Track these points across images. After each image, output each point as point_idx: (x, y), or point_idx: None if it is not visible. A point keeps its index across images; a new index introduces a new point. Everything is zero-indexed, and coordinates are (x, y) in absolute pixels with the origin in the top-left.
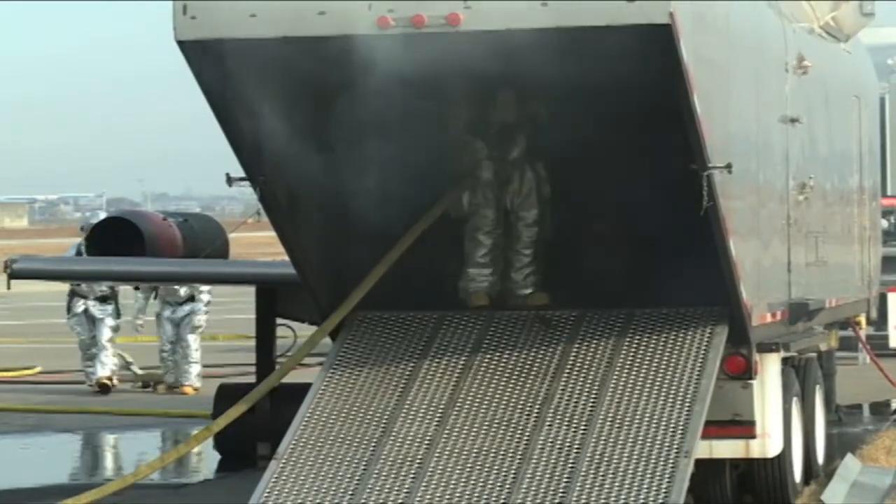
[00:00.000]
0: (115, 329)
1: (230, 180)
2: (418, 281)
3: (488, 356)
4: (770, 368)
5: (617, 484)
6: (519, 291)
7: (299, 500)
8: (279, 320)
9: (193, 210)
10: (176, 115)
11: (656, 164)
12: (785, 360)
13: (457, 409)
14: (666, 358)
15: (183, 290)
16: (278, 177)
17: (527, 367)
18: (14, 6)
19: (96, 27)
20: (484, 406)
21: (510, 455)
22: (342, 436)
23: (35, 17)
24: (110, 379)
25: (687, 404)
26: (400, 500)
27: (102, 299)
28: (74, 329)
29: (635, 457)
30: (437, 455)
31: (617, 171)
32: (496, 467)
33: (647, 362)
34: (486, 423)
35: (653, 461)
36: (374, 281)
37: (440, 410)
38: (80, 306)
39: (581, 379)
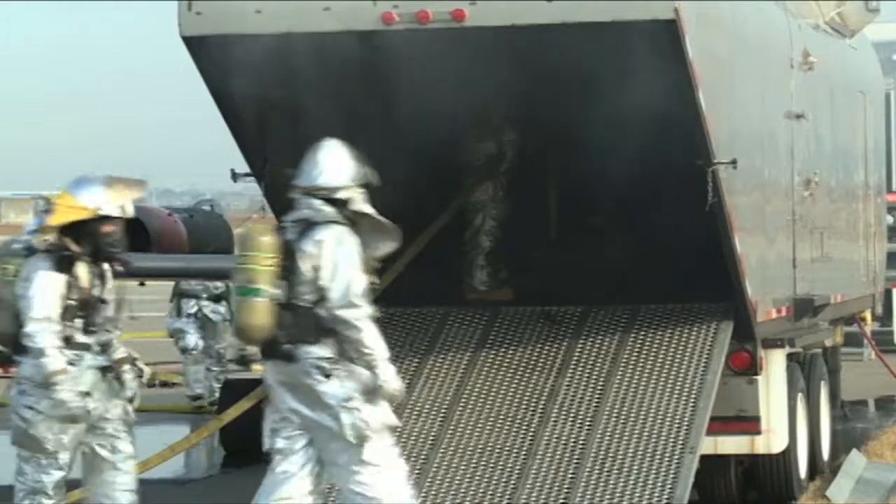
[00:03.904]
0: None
1: (235, 176)
2: (422, 277)
3: (493, 352)
4: (775, 364)
5: (622, 480)
6: (481, 287)
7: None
8: None
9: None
10: (181, 111)
11: (661, 160)
12: (790, 356)
13: (461, 405)
14: (671, 354)
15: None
16: (283, 172)
17: (531, 363)
18: (19, 5)
19: (101, 23)
20: (489, 402)
21: (515, 452)
22: None
23: (38, 13)
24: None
25: (692, 400)
26: None
27: (216, 298)
28: (184, 334)
29: (640, 453)
30: (441, 452)
31: (622, 167)
32: (501, 464)
33: (651, 358)
34: (491, 420)
35: (658, 457)
36: (390, 280)
37: (445, 407)
38: (192, 306)
39: (586, 375)
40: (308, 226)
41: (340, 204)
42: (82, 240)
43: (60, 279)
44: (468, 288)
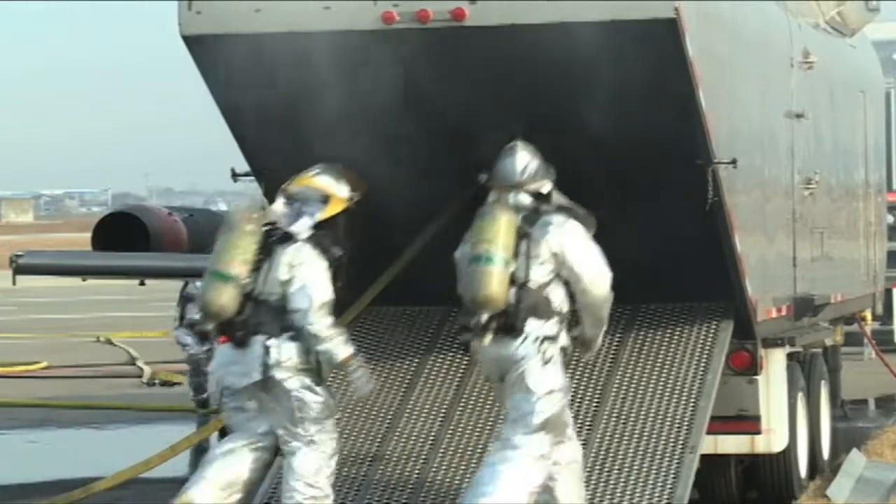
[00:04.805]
0: None
1: (235, 175)
2: (423, 276)
3: None
4: (775, 364)
5: (622, 480)
6: None
7: None
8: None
9: (199, 205)
10: (181, 111)
11: (661, 159)
12: (790, 356)
13: (461, 405)
14: (671, 353)
15: None
16: (283, 172)
17: None
18: (18, 5)
19: (101, 23)
20: (489, 402)
21: None
22: (347, 432)
23: (39, 12)
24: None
25: (692, 400)
26: (404, 498)
27: None
28: (183, 340)
29: (640, 452)
30: (441, 452)
31: (621, 166)
32: None
33: (651, 358)
34: (491, 420)
35: (658, 457)
36: (390, 278)
37: (445, 406)
38: (196, 312)
39: (586, 374)
40: (535, 213)
41: (545, 198)
42: (329, 230)
43: (327, 269)
44: None
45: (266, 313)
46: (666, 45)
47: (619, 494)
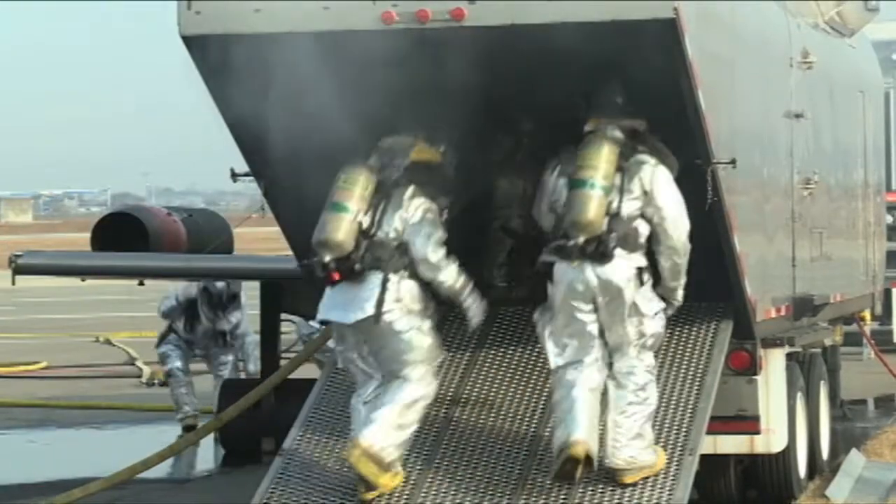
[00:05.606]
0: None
1: (234, 176)
2: None
3: (493, 352)
4: (775, 364)
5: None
6: (500, 284)
7: (304, 496)
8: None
9: (198, 205)
10: (180, 111)
11: None
12: (789, 356)
13: (461, 404)
14: (670, 354)
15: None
16: (282, 172)
17: (532, 362)
18: (20, 4)
19: (101, 23)
20: (489, 402)
21: (515, 451)
22: (347, 431)
23: (40, 12)
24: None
25: (692, 400)
26: (405, 497)
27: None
28: (168, 357)
29: None
30: (441, 451)
31: None
32: (501, 464)
33: None
34: (492, 420)
35: None
36: None
37: (445, 406)
38: (177, 340)
39: None
40: (631, 150)
41: (639, 137)
42: (430, 181)
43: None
44: (488, 286)
45: (384, 251)
46: (665, 45)
47: (618, 495)
